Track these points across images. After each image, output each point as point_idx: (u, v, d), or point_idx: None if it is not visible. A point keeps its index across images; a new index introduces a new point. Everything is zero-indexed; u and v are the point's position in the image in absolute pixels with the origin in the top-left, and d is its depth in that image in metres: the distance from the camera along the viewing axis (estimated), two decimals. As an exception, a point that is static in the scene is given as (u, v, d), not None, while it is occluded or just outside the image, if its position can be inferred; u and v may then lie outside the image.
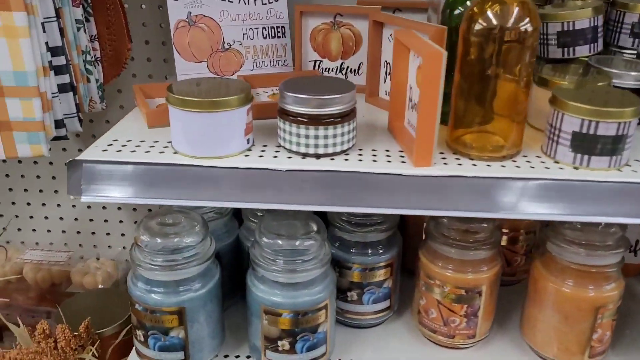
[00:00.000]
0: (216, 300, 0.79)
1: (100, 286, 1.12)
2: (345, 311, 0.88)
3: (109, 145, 0.69)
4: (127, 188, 0.65)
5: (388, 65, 0.83)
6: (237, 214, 0.92)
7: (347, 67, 0.90)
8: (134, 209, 1.18)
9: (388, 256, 0.85)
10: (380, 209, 0.65)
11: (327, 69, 0.91)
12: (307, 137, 0.66)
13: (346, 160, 0.67)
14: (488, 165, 0.67)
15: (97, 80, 0.91)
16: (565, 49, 0.85)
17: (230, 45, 0.92)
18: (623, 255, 0.78)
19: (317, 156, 0.67)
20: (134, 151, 0.67)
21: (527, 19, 0.63)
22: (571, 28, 0.84)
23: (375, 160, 0.67)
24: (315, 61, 0.91)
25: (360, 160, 0.67)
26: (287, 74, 0.91)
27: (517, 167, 0.66)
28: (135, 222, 1.18)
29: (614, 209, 0.65)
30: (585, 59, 0.85)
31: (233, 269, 0.89)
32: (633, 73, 0.78)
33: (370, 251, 0.85)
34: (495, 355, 0.86)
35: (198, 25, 0.90)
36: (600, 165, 0.66)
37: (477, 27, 0.64)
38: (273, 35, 0.94)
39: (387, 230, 0.85)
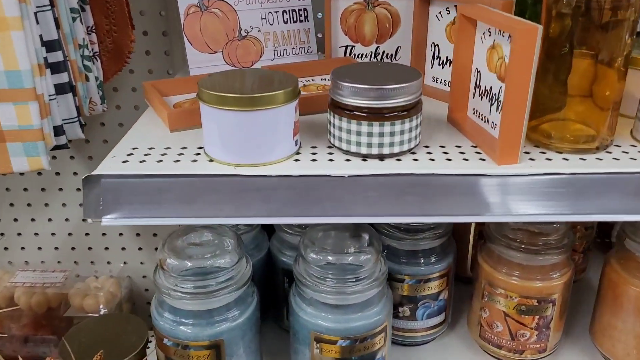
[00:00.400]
0: (255, 328, 0.68)
1: (101, 307, 1.00)
2: (396, 328, 0.78)
3: (128, 155, 0.57)
4: (156, 206, 0.54)
5: (436, 47, 0.73)
6: (266, 224, 0.80)
7: (383, 51, 0.80)
8: (135, 220, 1.06)
9: (443, 265, 0.75)
10: (461, 217, 0.55)
11: (359, 55, 0.80)
12: (369, 135, 0.55)
13: (415, 160, 0.56)
14: (582, 159, 0.57)
15: (96, 78, 0.79)
16: None
17: (248, 33, 0.81)
18: None
19: (381, 157, 0.56)
20: (161, 161, 0.56)
21: (630, -16, 0.53)
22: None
23: (449, 159, 0.56)
24: (347, 46, 0.80)
25: (432, 160, 0.56)
26: (317, 62, 0.80)
27: (616, 159, 0.57)
28: (138, 235, 1.06)
29: None
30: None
31: (265, 287, 0.78)
32: None
33: (422, 260, 0.75)
34: (567, 369, 0.77)
35: (211, 11, 0.78)
36: None
37: (568, -4, 0.54)
38: (295, 19, 0.83)
39: (442, 236, 0.75)
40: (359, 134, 0.55)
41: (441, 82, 0.73)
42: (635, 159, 0.56)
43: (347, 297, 0.64)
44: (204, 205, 0.54)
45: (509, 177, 0.54)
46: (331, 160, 0.56)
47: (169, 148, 0.59)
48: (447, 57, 0.72)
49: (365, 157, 0.56)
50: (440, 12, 0.71)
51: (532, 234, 0.71)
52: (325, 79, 0.78)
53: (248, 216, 0.54)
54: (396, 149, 0.56)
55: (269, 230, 0.81)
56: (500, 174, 0.54)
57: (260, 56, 0.82)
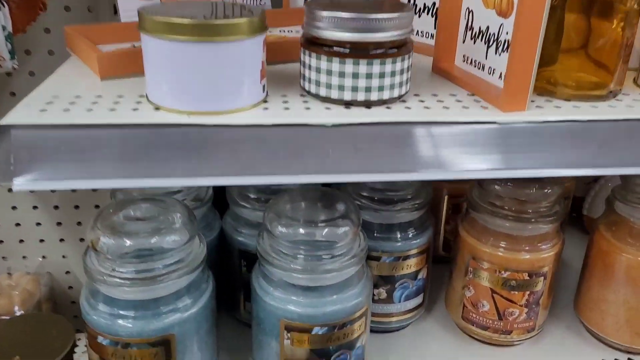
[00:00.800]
0: (211, 319, 0.57)
1: (16, 308, 0.85)
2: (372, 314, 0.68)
3: (47, 103, 0.45)
4: (87, 165, 0.42)
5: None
6: (217, 199, 0.69)
7: None
8: (56, 207, 0.91)
9: (423, 240, 0.67)
10: (468, 173, 0.46)
11: (321, 4, 0.70)
12: (354, 76, 0.45)
13: (408, 108, 0.47)
14: (594, 107, 0.49)
15: (3, 28, 0.65)
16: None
17: (191, -24, 0.68)
18: None
19: (368, 104, 0.47)
20: (91, 110, 0.44)
21: None
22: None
23: (446, 107, 0.47)
24: (307, -6, 0.69)
25: (426, 107, 0.47)
26: (275, 11, 0.69)
27: (630, 106, 0.50)
28: (59, 224, 0.91)
29: None
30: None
31: (217, 272, 0.66)
32: None
33: (399, 235, 0.66)
34: (556, 348, 0.70)
35: (147, -53, 0.66)
36: None
37: None
38: (245, -36, 0.72)
39: (421, 207, 0.66)
40: (342, 75, 0.45)
41: (419, 33, 0.64)
42: (651, 106, 0.50)
43: (322, 277, 0.54)
44: (149, 164, 0.43)
45: (520, 124, 0.46)
46: (308, 108, 0.46)
47: (100, 96, 0.47)
48: (424, 4, 0.63)
49: (348, 104, 0.47)
50: (417, -51, 0.62)
51: (520, 201, 0.63)
52: (284, 30, 0.67)
53: (209, 176, 0.43)
54: (385, 94, 0.46)
55: (220, 207, 0.69)
56: (510, 122, 0.46)
57: (205, 5, 0.70)
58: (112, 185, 0.43)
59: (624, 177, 0.66)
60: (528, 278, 0.64)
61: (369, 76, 0.45)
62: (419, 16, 0.64)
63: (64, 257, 0.93)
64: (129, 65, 0.50)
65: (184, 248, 0.53)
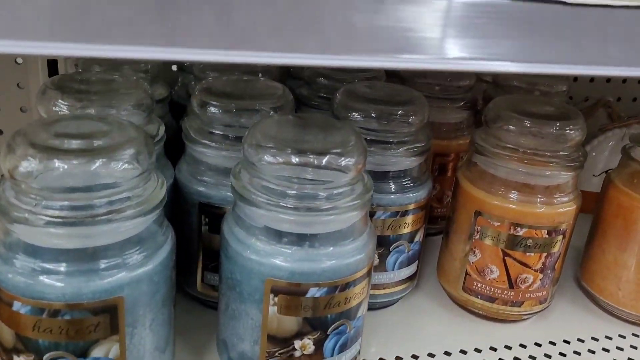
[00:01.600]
0: (170, 283, 0.43)
1: None
2: (358, 285, 0.56)
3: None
4: (11, 20, 0.27)
5: None
6: (168, 144, 0.55)
7: None
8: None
9: (422, 193, 0.56)
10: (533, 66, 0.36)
11: None
12: None
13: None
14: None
15: None
16: None
17: None
18: None
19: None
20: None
21: None
22: None
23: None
24: None
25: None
26: None
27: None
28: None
29: None
30: None
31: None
32: None
33: (394, 186, 0.54)
34: (566, 325, 0.61)
35: None
36: None
37: None
38: None
39: (422, 152, 0.55)
40: None
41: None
42: None
43: (319, 219, 0.42)
44: (103, 21, 0.29)
45: (593, 7, 0.36)
46: (321, -26, 0.34)
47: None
48: None
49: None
50: None
51: (538, 141, 0.54)
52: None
53: (189, 47, 0.30)
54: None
55: (172, 153, 0.55)
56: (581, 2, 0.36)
57: None
58: (42, 51, 0.29)
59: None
60: (547, 236, 0.54)
61: None
62: None
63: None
64: None
65: (137, 180, 0.39)
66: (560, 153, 0.54)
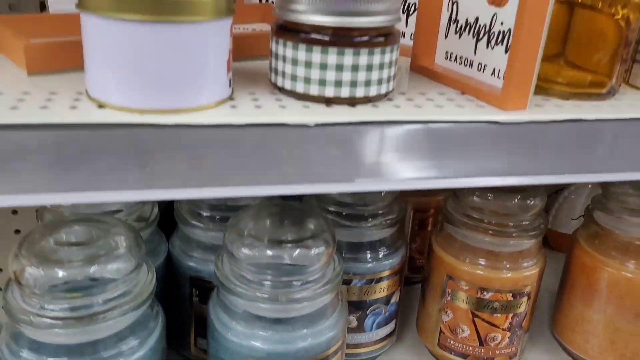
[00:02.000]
0: (163, 357, 0.48)
1: None
2: (339, 345, 0.61)
3: (-41, 99, 0.36)
4: (12, 177, 0.33)
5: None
6: (162, 219, 0.60)
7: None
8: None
9: (396, 260, 0.60)
10: (472, 180, 0.40)
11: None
12: (338, 68, 0.38)
13: (397, 107, 0.41)
14: (595, 106, 0.45)
15: None
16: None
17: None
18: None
19: (352, 102, 0.40)
20: (16, 108, 0.35)
21: None
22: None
23: (439, 106, 0.42)
24: (263, -10, 0.63)
25: (417, 106, 0.41)
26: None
27: (632, 104, 0.46)
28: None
29: None
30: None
31: (167, 308, 0.57)
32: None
33: (370, 255, 0.59)
34: (537, 375, 0.65)
35: None
36: None
37: None
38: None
39: (394, 223, 0.60)
40: (323, 67, 0.38)
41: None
42: (647, 105, 0.46)
43: (293, 306, 0.47)
44: (91, 174, 0.34)
45: (524, 124, 0.40)
46: (283, 107, 0.39)
47: (28, 93, 0.38)
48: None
49: (329, 101, 0.40)
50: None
51: (502, 215, 0.58)
52: (239, 28, 0.60)
53: (169, 187, 0.35)
54: (372, 91, 0.40)
55: (166, 228, 0.60)
56: (514, 121, 0.40)
57: None
58: (43, 201, 0.34)
59: (604, 185, 0.63)
60: (512, 299, 0.58)
61: (354, 68, 0.39)
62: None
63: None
64: (64, 59, 0.42)
65: (129, 278, 0.45)
66: (523, 222, 0.58)
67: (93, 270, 0.43)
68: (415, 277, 0.75)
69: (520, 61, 0.40)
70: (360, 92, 0.40)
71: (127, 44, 0.34)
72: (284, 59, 0.40)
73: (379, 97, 0.41)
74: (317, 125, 0.37)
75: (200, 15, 0.35)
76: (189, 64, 0.35)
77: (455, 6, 0.47)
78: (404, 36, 0.57)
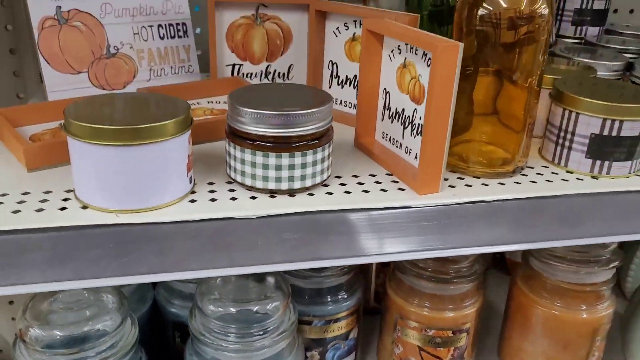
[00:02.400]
0: (146, 398, 0.58)
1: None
2: (304, 376, 0.70)
3: (-28, 204, 0.45)
4: (15, 271, 0.42)
5: (334, 65, 0.67)
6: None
7: (274, 70, 0.73)
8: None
9: (352, 302, 0.69)
10: (391, 256, 0.49)
11: (249, 74, 0.72)
12: (277, 167, 0.47)
13: (329, 194, 0.50)
14: (501, 184, 0.53)
15: None
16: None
17: (118, 50, 0.70)
18: (615, 270, 0.69)
19: (292, 193, 0.49)
20: (19, 211, 0.44)
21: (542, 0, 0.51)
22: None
23: (366, 191, 0.50)
24: (234, 65, 0.72)
25: (347, 192, 0.50)
26: (202, 82, 0.71)
27: (533, 182, 0.54)
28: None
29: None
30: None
31: (152, 345, 0.67)
32: (608, 63, 0.70)
33: (330, 299, 0.68)
34: (482, 398, 0.74)
35: (72, 24, 0.67)
36: (622, 172, 0.56)
37: (482, 12, 0.51)
38: (172, 34, 0.73)
39: (349, 271, 0.69)
40: (265, 167, 0.47)
41: (342, 103, 0.67)
42: (551, 181, 0.54)
43: (254, 353, 0.56)
44: (81, 264, 0.43)
45: (433, 207, 0.49)
46: (234, 198, 0.48)
47: (28, 193, 0.47)
48: (346, 76, 0.66)
49: (273, 193, 0.49)
50: (338, 28, 0.65)
51: (442, 262, 0.67)
52: (212, 102, 0.69)
53: (141, 274, 0.44)
54: (308, 183, 0.49)
55: (153, 276, 0.70)
56: (423, 205, 0.49)
57: (134, 76, 0.71)
58: (40, 289, 0.43)
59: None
60: (452, 335, 0.67)
61: (291, 167, 0.48)
62: (342, 87, 0.67)
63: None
64: (56, 156, 0.51)
65: (116, 332, 0.54)
66: (462, 269, 0.67)
67: (85, 329, 0.52)
68: (380, 307, 0.83)
69: (429, 152, 0.49)
70: (297, 185, 0.48)
71: (103, 162, 0.43)
72: (235, 158, 0.49)
73: (314, 186, 0.50)
74: (258, 217, 0.46)
75: (161, 137, 0.44)
76: (152, 174, 0.44)
77: (388, 95, 0.56)
78: (344, 104, 0.66)
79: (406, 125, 0.54)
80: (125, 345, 0.54)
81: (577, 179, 0.55)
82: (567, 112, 0.55)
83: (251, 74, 0.72)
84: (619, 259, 0.68)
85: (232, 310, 0.56)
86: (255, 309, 0.56)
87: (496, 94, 0.55)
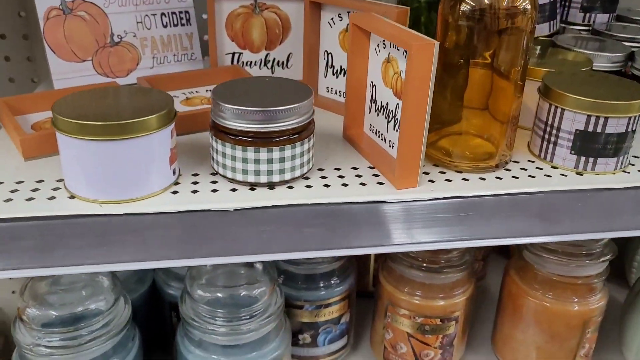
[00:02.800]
0: (140, 373, 0.61)
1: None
2: (296, 357, 0.73)
3: (-32, 192, 0.48)
4: (6, 256, 0.45)
5: (329, 55, 0.68)
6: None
7: (274, 59, 0.74)
8: None
9: (344, 287, 0.71)
10: (364, 249, 0.51)
11: (248, 63, 0.74)
12: (256, 162, 0.49)
13: (309, 187, 0.51)
14: (482, 179, 0.54)
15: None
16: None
17: (122, 38, 0.72)
18: (608, 262, 0.69)
19: (271, 185, 0.51)
20: (10, 200, 0.47)
21: (525, -5, 0.50)
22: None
23: (345, 184, 0.52)
24: (234, 53, 0.73)
25: (326, 185, 0.51)
26: (201, 71, 0.73)
27: (515, 177, 0.54)
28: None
29: (628, 220, 0.55)
30: (545, 38, 0.76)
31: (151, 323, 0.70)
32: (608, 54, 0.69)
33: (322, 284, 0.70)
34: (472, 384, 0.75)
35: (77, 14, 0.69)
36: (607, 169, 0.55)
37: (465, 7, 0.51)
38: (175, 22, 0.75)
39: (342, 257, 0.70)
40: (245, 160, 0.49)
41: (336, 92, 0.68)
42: (534, 177, 0.54)
43: (241, 336, 0.58)
44: (67, 252, 0.46)
45: (410, 202, 0.50)
46: (215, 190, 0.50)
47: (22, 182, 0.50)
48: (341, 66, 0.67)
49: (253, 186, 0.50)
50: (332, 19, 0.66)
51: (433, 252, 0.68)
52: (210, 90, 0.71)
53: (121, 262, 0.47)
54: (287, 176, 0.50)
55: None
56: (399, 200, 0.50)
57: (137, 64, 0.73)
58: (30, 274, 0.46)
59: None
60: (440, 323, 0.68)
61: (270, 161, 0.49)
62: (337, 77, 0.68)
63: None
64: (52, 147, 0.53)
65: (110, 312, 0.57)
66: (452, 258, 0.68)
67: (80, 309, 0.55)
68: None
69: (406, 148, 0.50)
70: (276, 178, 0.50)
71: (89, 155, 0.45)
72: (217, 151, 0.50)
73: (294, 179, 0.51)
74: (235, 210, 0.48)
75: (143, 132, 0.46)
76: (136, 166, 0.46)
77: (374, 88, 0.57)
78: (338, 93, 0.67)
79: (390, 119, 0.55)
80: (119, 323, 0.57)
81: (560, 174, 0.55)
82: (552, 108, 0.55)
83: (251, 62, 0.74)
84: (612, 252, 0.68)
85: (220, 295, 0.58)
86: (242, 293, 0.58)
87: (482, 86, 0.55)
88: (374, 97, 0.57)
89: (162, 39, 0.74)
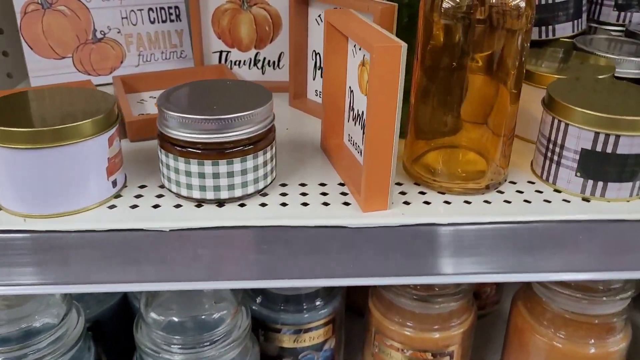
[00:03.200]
0: (94, 395, 0.57)
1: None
2: (276, 384, 0.67)
3: None
4: None
5: (318, 56, 0.62)
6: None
7: (264, 58, 0.68)
8: None
9: (329, 310, 0.65)
10: (323, 281, 0.44)
11: (237, 62, 0.68)
12: (200, 175, 0.44)
13: (263, 206, 0.45)
14: (467, 202, 0.46)
15: None
16: (543, 28, 0.66)
17: (105, 34, 0.68)
18: (630, 299, 0.60)
19: (220, 203, 0.45)
20: None
21: (519, -10, 0.43)
22: (550, 0, 0.65)
23: (305, 203, 0.45)
24: (221, 52, 0.68)
25: (283, 204, 0.45)
26: (182, 70, 0.68)
27: (507, 202, 0.47)
28: None
29: (641, 257, 0.46)
30: (568, 39, 0.67)
31: (119, 339, 0.66)
32: (636, 59, 0.60)
33: (305, 306, 0.64)
34: None
35: (57, 8, 0.65)
36: (620, 195, 0.47)
37: (447, 4, 0.44)
38: (164, 18, 0.71)
39: (327, 276, 0.64)
40: (188, 174, 0.44)
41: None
42: (529, 202, 0.47)
43: (201, 363, 0.53)
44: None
45: (373, 229, 0.44)
46: (157, 206, 0.45)
47: (-46, 189, 0.46)
48: (328, 68, 0.61)
49: (200, 202, 0.45)
50: (319, 16, 0.60)
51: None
52: (191, 92, 0.66)
53: (45, 284, 0.42)
54: (238, 192, 0.45)
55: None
56: (360, 226, 0.43)
57: (121, 62, 0.69)
58: (-56, 290, 0.42)
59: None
60: (432, 358, 0.61)
61: (216, 176, 0.44)
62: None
63: None
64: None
65: (61, 326, 0.53)
66: (448, 286, 0.61)
67: (25, 325, 0.51)
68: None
69: (373, 166, 0.43)
70: (225, 195, 0.44)
71: (11, 164, 0.41)
72: (162, 162, 0.45)
73: (248, 196, 0.45)
74: (171, 230, 0.42)
75: (76, 139, 0.41)
76: (64, 178, 0.42)
77: (352, 95, 0.51)
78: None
79: (364, 129, 0.48)
80: (71, 338, 0.53)
81: (563, 200, 0.47)
82: (556, 122, 0.47)
83: (239, 61, 0.68)
84: (633, 288, 0.59)
85: (176, 320, 0.53)
86: (202, 317, 0.53)
87: (472, 94, 0.48)
88: (352, 105, 0.51)
89: (149, 35, 0.70)
